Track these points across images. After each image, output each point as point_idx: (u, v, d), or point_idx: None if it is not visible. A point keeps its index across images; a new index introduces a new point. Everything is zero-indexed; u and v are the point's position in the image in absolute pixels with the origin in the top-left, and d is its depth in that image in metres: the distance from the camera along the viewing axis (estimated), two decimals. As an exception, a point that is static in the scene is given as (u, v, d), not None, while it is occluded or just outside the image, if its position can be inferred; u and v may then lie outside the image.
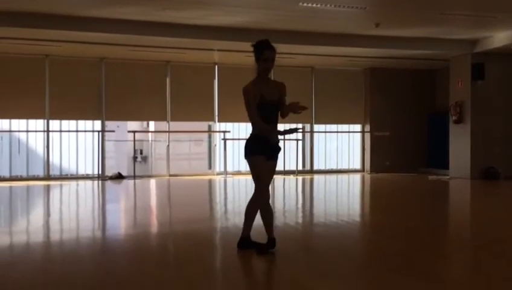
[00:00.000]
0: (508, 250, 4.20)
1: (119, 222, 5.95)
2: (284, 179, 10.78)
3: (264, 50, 3.85)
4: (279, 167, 12.14)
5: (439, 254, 4.07)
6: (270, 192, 4.23)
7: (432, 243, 4.46)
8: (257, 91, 3.87)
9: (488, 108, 10.62)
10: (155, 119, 13.36)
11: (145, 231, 5.15)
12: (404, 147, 12.56)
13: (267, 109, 3.90)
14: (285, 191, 8.92)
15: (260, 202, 3.98)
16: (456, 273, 3.57)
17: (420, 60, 11.49)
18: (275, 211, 6.40)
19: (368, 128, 12.66)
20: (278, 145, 4.04)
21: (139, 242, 4.57)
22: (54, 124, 11.04)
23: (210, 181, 10.50)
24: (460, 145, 10.86)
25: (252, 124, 3.97)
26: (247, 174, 11.91)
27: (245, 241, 4.02)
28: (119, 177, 11.00)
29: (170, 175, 11.56)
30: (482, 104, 10.58)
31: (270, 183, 4.06)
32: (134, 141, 11.73)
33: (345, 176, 11.81)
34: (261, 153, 3.90)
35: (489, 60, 10.37)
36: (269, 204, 4.07)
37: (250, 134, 4.01)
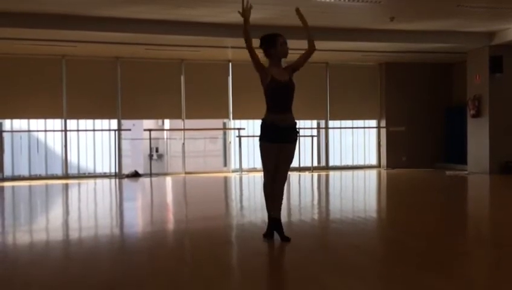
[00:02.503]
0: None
1: (137, 220, 6.00)
2: (300, 175, 10.75)
3: (276, 38, 4.20)
4: (295, 163, 12.22)
5: (460, 251, 4.01)
6: (284, 187, 4.28)
7: (452, 240, 4.40)
8: (268, 72, 4.12)
9: (507, 102, 10.43)
10: (170, 117, 13.43)
11: (162, 229, 5.19)
12: (421, 142, 12.42)
13: (279, 91, 4.10)
14: (300, 188, 8.90)
15: (267, 187, 4.20)
16: (478, 271, 3.52)
17: (436, 54, 11.33)
18: (291, 207, 6.40)
19: (383, 123, 12.55)
20: (291, 129, 4.15)
21: (156, 240, 4.60)
22: (71, 123, 11.18)
23: (225, 178, 10.53)
24: (478, 139, 10.70)
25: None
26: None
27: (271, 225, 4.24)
28: (135, 175, 11.10)
29: (186, 173, 11.62)
30: (501, 98, 10.40)
31: (283, 167, 4.18)
32: (150, 139, 11.81)
33: (360, 172, 11.73)
34: (268, 140, 4.10)
35: (507, 52, 10.18)
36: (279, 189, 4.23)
37: (262, 119, 4.20)
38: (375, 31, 9.65)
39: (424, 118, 12.50)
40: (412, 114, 12.40)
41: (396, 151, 12.38)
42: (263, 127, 4.15)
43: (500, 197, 7.80)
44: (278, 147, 4.11)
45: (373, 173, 11.54)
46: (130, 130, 12.70)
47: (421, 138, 12.43)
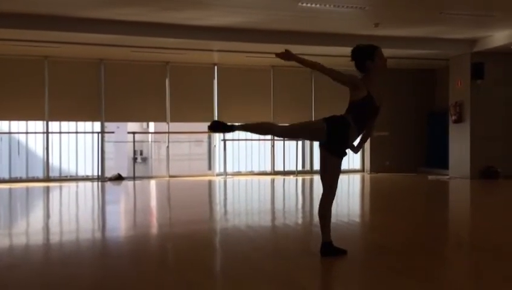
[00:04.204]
0: (509, 250, 4.19)
1: (119, 224, 5.94)
2: (284, 179, 10.77)
3: (374, 49, 3.90)
4: (279, 167, 12.22)
5: (440, 255, 4.06)
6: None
7: (433, 244, 4.45)
8: (364, 86, 3.78)
9: (488, 108, 10.61)
10: (155, 120, 13.36)
11: (145, 233, 5.14)
12: (404, 147, 12.56)
13: (369, 107, 3.76)
14: (285, 192, 8.91)
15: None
16: (457, 275, 3.57)
17: (419, 60, 11.48)
18: (275, 211, 6.41)
19: (367, 128, 12.64)
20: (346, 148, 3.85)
21: (139, 244, 4.56)
22: (54, 125, 11.03)
23: (210, 182, 10.49)
24: (459, 145, 10.86)
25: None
26: (247, 175, 11.98)
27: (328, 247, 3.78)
28: (119, 178, 10.99)
29: (170, 176, 11.55)
30: (482, 104, 10.58)
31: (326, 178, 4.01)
32: (134, 142, 11.72)
33: (344, 176, 11.80)
34: (342, 152, 3.81)
35: (488, 59, 10.37)
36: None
37: (344, 118, 3.80)
38: (360, 37, 9.69)
39: (407, 123, 12.64)
40: (396, 119, 12.52)
41: (380, 156, 12.49)
42: (346, 126, 3.75)
43: (479, 202, 7.92)
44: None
45: (357, 177, 11.62)
46: (113, 132, 12.59)
47: (404, 143, 12.57)
